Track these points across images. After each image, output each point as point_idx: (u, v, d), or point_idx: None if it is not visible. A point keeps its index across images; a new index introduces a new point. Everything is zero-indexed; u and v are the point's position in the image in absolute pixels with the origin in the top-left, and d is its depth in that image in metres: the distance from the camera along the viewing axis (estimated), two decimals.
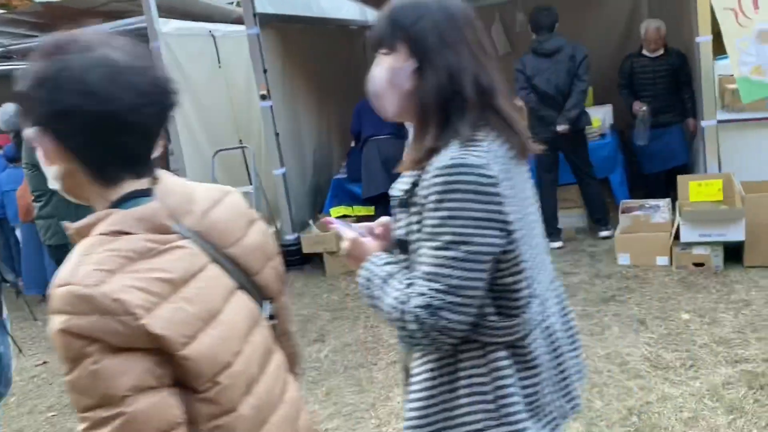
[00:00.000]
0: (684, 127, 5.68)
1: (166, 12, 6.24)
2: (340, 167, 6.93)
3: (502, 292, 1.35)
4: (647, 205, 5.05)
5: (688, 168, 5.63)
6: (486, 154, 1.28)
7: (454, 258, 1.25)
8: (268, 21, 5.90)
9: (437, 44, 1.32)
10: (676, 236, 4.65)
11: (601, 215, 5.52)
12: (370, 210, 5.96)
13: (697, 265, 4.64)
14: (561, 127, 5.26)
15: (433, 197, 1.27)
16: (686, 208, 4.86)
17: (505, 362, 1.36)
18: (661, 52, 5.63)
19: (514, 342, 1.37)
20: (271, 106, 5.87)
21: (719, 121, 5.05)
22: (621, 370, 3.46)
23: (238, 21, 6.72)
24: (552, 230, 5.58)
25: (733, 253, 4.61)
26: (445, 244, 1.26)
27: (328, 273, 5.78)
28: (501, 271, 1.33)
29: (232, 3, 8.61)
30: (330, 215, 6.35)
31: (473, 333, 1.34)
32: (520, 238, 1.32)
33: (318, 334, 4.55)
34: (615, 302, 4.33)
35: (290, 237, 6.06)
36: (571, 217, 5.77)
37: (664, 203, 5.09)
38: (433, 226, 1.27)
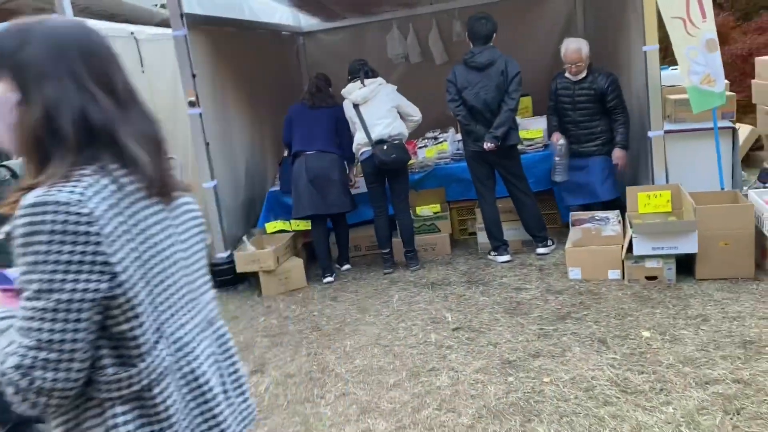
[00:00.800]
0: (608, 159, 5.15)
1: (82, 12, 5.66)
2: (275, 179, 6.50)
3: (120, 340, 1.22)
4: (597, 217, 4.89)
5: (620, 200, 5.49)
6: (85, 191, 1.17)
7: (43, 309, 1.14)
8: (196, 23, 5.42)
9: (37, 75, 1.23)
10: (628, 249, 4.49)
11: (537, 232, 5.33)
12: (308, 224, 5.56)
13: (649, 278, 4.50)
14: (488, 145, 5.03)
15: (19, 241, 1.15)
16: (636, 221, 4.72)
17: (123, 418, 1.23)
18: (583, 74, 5.09)
19: (138, 394, 1.24)
20: (201, 114, 5.39)
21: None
22: (588, 396, 3.21)
23: (164, 24, 6.21)
24: (498, 243, 5.36)
25: (684, 266, 4.50)
26: (34, 294, 1.14)
27: (265, 293, 5.33)
28: (113, 318, 1.20)
29: (157, 5, 8.04)
30: (266, 230, 5.90)
31: (89, 389, 1.22)
32: (133, 280, 1.21)
33: (256, 364, 4.11)
34: (571, 320, 4.10)
35: (222, 255, 5.57)
36: (518, 230, 5.56)
37: (613, 215, 4.94)
38: (24, 273, 1.15)
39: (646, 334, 3.79)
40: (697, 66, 4.59)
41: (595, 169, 5.18)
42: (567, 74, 5.17)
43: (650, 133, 4.86)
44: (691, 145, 5.19)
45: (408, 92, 6.67)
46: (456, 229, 6.08)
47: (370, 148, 5.28)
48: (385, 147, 5.18)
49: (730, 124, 5.24)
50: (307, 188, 5.28)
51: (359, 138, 5.36)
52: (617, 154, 5.12)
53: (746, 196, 4.61)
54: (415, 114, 5.43)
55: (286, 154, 5.83)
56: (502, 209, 5.42)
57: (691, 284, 4.39)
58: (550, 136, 5.41)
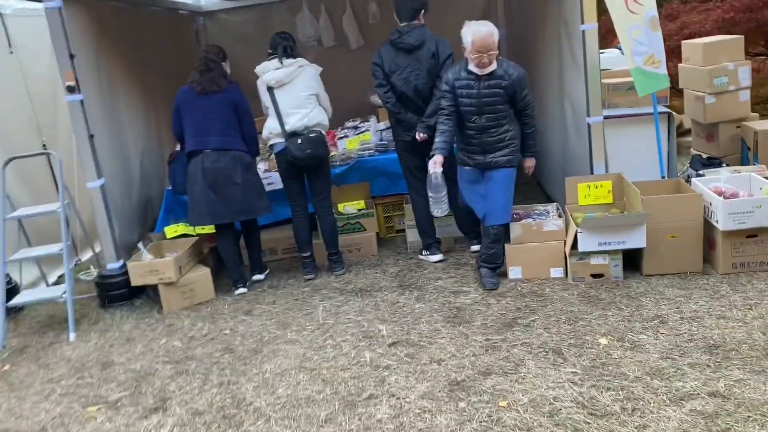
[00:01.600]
0: (512, 173, 4.26)
1: None
2: None
3: None
4: (537, 211, 4.50)
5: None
6: None
7: None
8: None
9: None
10: (572, 245, 4.12)
11: (471, 228, 4.90)
12: (211, 227, 4.84)
13: (595, 276, 4.15)
14: (420, 135, 4.55)
15: None
16: (576, 213, 4.37)
17: None
18: (493, 67, 4.02)
19: None
20: (82, 101, 4.56)
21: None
22: (554, 422, 2.77)
23: None
24: (431, 241, 4.88)
25: (629, 261, 4.18)
26: None
27: (166, 310, 4.59)
28: None
29: None
30: (165, 234, 5.14)
31: None
32: None
33: (156, 400, 3.41)
34: (519, 327, 3.68)
35: (114, 265, 4.77)
36: (450, 226, 5.10)
37: (552, 208, 4.56)
38: None
39: (603, 341, 3.41)
40: (640, 46, 4.27)
41: (498, 189, 4.22)
42: (471, 67, 4.06)
43: (589, 120, 4.52)
44: (628, 132, 4.92)
45: (321, 79, 6.10)
46: (383, 227, 5.56)
47: (283, 140, 4.65)
48: (299, 141, 4.56)
49: (666, 110, 5.00)
50: (204, 194, 4.52)
51: (271, 126, 4.71)
52: (529, 163, 4.36)
53: (690, 184, 4.35)
54: (327, 110, 4.84)
55: (178, 148, 5.04)
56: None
57: (639, 281, 4.07)
58: (432, 154, 4.14)
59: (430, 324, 3.85)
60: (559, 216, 4.41)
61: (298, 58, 4.70)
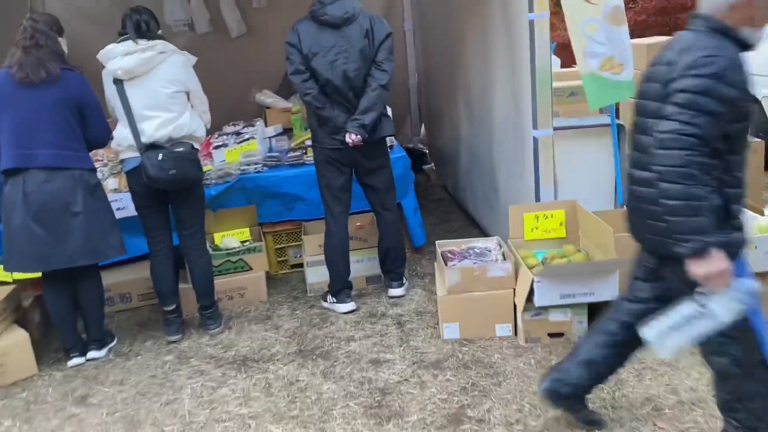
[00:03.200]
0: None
1: None
2: None
3: None
4: (476, 249, 3.50)
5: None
6: None
7: None
8: None
9: None
10: (528, 298, 3.16)
11: (396, 266, 3.86)
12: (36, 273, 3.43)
13: (554, 335, 3.22)
14: (352, 138, 3.45)
15: None
16: (523, 251, 3.43)
17: None
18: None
19: None
20: None
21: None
22: None
23: None
24: (341, 286, 3.75)
25: (590, 313, 3.29)
26: None
27: None
28: None
29: None
30: None
31: None
32: None
33: None
34: (471, 423, 2.64)
35: None
36: (362, 261, 4.02)
37: (493, 244, 3.58)
38: None
39: None
40: (596, 46, 3.37)
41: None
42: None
43: (535, 133, 3.59)
44: (569, 149, 4.02)
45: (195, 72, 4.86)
46: (274, 263, 4.35)
47: (137, 154, 3.36)
48: (160, 157, 3.28)
49: (606, 121, 4.16)
50: (26, 229, 3.14)
51: (121, 135, 3.40)
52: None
53: None
54: (203, 116, 3.59)
55: None
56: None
57: None
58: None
59: (347, 421, 2.73)
60: (504, 256, 3.44)
61: (159, 41, 3.41)
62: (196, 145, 3.53)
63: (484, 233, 4.69)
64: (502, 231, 4.10)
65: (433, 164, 6.60)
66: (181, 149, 3.37)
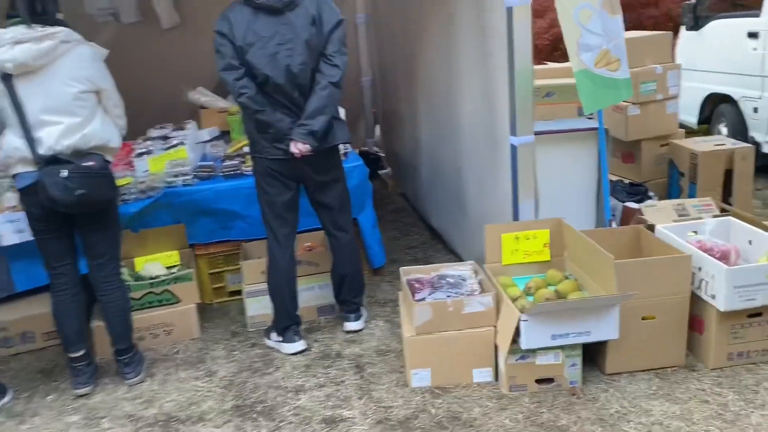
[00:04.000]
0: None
1: None
2: None
3: None
4: (448, 277, 2.93)
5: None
6: None
7: None
8: None
9: None
10: (513, 339, 2.63)
11: (352, 296, 3.27)
12: None
13: (541, 381, 2.70)
14: (299, 147, 2.85)
15: None
16: (502, 279, 2.91)
17: None
18: None
19: None
20: None
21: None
22: None
23: None
24: (288, 322, 3.15)
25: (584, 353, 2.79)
26: None
27: None
28: None
29: None
30: None
31: None
32: None
33: None
34: None
35: None
36: (313, 289, 3.42)
37: (468, 271, 3.03)
38: None
39: None
40: (590, 37, 2.87)
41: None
42: None
43: (514, 140, 3.05)
44: (551, 156, 3.52)
45: (119, 68, 4.19)
46: (208, 290, 3.70)
47: (33, 169, 2.68)
48: (63, 174, 2.61)
49: (594, 124, 3.68)
50: None
51: (11, 145, 2.71)
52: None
53: (652, 231, 3.05)
54: (120, 116, 2.92)
55: None
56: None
57: (604, 387, 2.68)
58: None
59: None
60: (481, 285, 2.90)
61: (62, 28, 2.72)
62: (109, 158, 2.85)
63: (449, 250, 4.16)
64: (470, 249, 3.60)
65: (389, 169, 6.04)
66: (90, 163, 2.70)
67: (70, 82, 2.70)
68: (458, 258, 4.00)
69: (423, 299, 2.77)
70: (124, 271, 3.33)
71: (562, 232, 3.03)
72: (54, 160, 2.66)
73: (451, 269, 3.01)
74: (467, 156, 3.69)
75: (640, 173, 4.40)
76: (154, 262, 3.44)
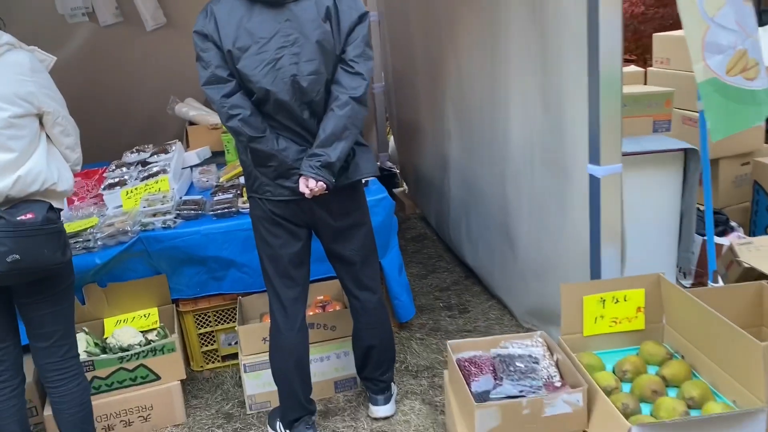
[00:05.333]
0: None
1: None
2: None
3: None
4: (516, 360, 2.15)
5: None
6: None
7: None
8: None
9: None
10: None
11: (380, 372, 2.48)
12: None
13: None
14: (310, 185, 2.07)
15: None
16: (588, 360, 2.15)
17: None
18: None
19: None
20: None
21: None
22: None
23: None
24: (299, 414, 2.37)
25: None
26: None
27: None
28: None
29: None
30: None
31: None
32: None
33: None
34: None
35: None
36: (329, 359, 2.65)
37: (539, 347, 2.25)
38: None
39: None
40: (721, 33, 2.09)
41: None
42: None
43: (596, 170, 2.29)
44: (629, 186, 2.74)
45: (93, 76, 3.57)
46: (196, 355, 2.94)
47: None
48: None
49: (686, 144, 2.90)
50: None
51: None
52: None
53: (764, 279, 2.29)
54: (72, 148, 2.15)
55: None
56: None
57: None
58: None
59: None
60: (558, 368, 2.13)
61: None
62: (58, 204, 2.09)
63: (490, 293, 3.41)
64: (522, 299, 2.93)
65: (405, 188, 5.27)
66: (27, 216, 1.93)
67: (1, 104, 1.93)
68: (502, 305, 3.26)
69: (485, 394, 2.01)
70: (87, 339, 2.57)
71: (659, 293, 2.27)
72: None
73: (516, 345, 2.23)
74: (517, 182, 2.93)
75: (716, 197, 3.63)
76: (126, 327, 2.67)
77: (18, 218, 1.91)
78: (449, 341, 2.27)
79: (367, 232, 2.36)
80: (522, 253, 2.95)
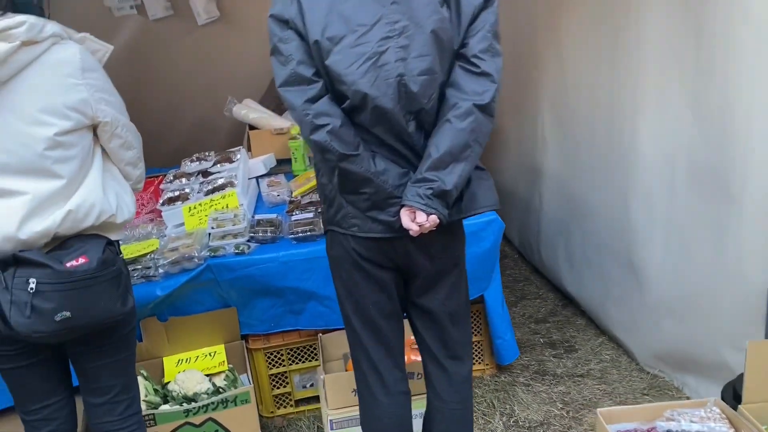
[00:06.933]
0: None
1: None
2: None
3: None
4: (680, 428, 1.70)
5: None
6: None
7: None
8: None
9: None
10: None
11: None
12: None
13: None
14: (419, 220, 1.58)
15: None
16: None
17: None
18: None
19: None
20: None
21: None
22: None
23: None
24: None
25: None
26: None
27: None
28: None
29: None
30: None
31: None
32: None
33: None
34: None
35: None
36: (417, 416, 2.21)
37: (714, 420, 1.79)
38: None
39: None
40: None
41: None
42: None
43: None
44: None
45: (141, 76, 3.20)
46: (266, 398, 2.52)
47: None
48: (31, 286, 1.47)
49: None
50: None
51: None
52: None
53: None
54: (134, 163, 1.75)
55: None
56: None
57: None
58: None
59: None
60: None
61: (25, 18, 1.54)
62: (117, 236, 1.69)
63: (600, 329, 2.94)
64: (652, 344, 2.54)
65: None
66: (79, 262, 1.53)
67: (40, 117, 1.52)
68: (616, 343, 2.80)
69: None
70: (146, 386, 2.18)
71: None
72: (12, 261, 1.51)
73: (688, 416, 1.77)
74: (649, 204, 2.46)
75: None
76: (190, 370, 2.27)
77: (67, 265, 1.51)
78: (599, 409, 1.81)
79: (460, 277, 1.82)
80: (652, 286, 2.48)
